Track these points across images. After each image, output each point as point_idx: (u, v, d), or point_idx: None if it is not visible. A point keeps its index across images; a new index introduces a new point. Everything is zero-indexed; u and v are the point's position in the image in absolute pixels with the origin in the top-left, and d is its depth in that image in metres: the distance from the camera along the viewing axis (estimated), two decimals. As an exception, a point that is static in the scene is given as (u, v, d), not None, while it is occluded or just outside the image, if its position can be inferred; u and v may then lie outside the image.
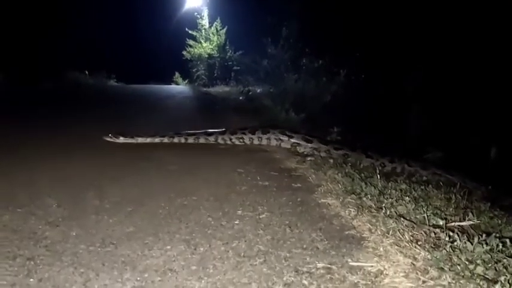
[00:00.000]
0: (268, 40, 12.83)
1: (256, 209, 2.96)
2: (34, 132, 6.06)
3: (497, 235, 2.41)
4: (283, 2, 14.12)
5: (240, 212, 2.89)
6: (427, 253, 2.17)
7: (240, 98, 13.59)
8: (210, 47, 23.60)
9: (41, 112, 9.06)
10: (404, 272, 2.01)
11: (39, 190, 3.25)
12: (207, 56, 23.77)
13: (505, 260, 2.07)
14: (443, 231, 2.40)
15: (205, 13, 23.95)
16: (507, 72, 8.66)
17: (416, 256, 2.16)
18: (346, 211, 2.89)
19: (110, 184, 3.53)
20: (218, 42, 23.55)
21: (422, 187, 3.71)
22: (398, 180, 3.92)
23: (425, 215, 2.71)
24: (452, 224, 2.65)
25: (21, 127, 6.67)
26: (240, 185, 3.61)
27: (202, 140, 5.82)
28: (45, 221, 2.61)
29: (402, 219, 2.63)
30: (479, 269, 1.99)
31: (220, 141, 5.81)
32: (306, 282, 1.91)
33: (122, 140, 5.57)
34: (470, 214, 2.93)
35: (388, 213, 2.74)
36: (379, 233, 2.48)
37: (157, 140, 5.74)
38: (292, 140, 5.63)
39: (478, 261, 2.05)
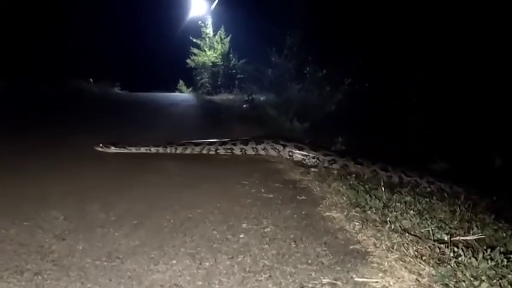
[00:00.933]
0: (272, 49, 12.88)
1: (261, 222, 2.97)
2: (36, 143, 6.05)
3: (502, 249, 2.42)
4: (287, 11, 14.20)
5: (244, 225, 2.91)
6: (431, 269, 2.18)
7: (244, 106, 13.61)
8: (214, 55, 23.70)
9: (43, 121, 9.07)
10: (409, 288, 2.02)
11: (45, 203, 3.27)
12: (211, 64, 23.87)
13: (510, 276, 2.08)
14: (447, 247, 2.40)
15: (209, 22, 24.07)
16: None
17: (421, 272, 2.16)
18: (351, 225, 2.90)
19: (114, 196, 3.55)
20: (222, 50, 23.65)
21: (427, 199, 3.71)
22: (402, 192, 3.92)
23: (429, 229, 2.71)
24: (457, 238, 2.66)
25: (23, 137, 6.66)
26: (244, 198, 3.62)
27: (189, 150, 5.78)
28: (52, 234, 2.63)
29: (407, 233, 2.63)
30: (484, 286, 2.00)
31: (211, 152, 5.78)
32: (311, 298, 1.92)
33: (113, 150, 5.50)
34: (474, 227, 2.93)
35: (392, 227, 2.75)
36: (384, 247, 2.48)
37: (153, 149, 5.66)
38: (288, 149, 5.68)
39: (483, 277, 2.06)
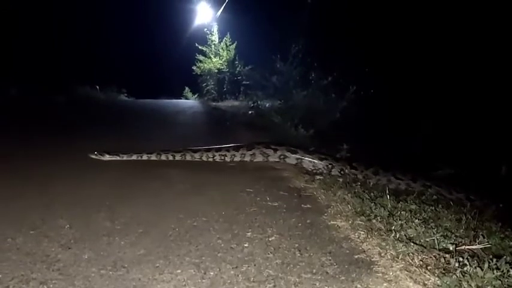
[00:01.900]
0: (277, 56, 12.90)
1: (265, 231, 2.98)
2: (40, 151, 6.07)
3: (508, 259, 2.41)
4: (292, 18, 14.24)
5: (249, 234, 2.91)
6: (437, 279, 2.17)
7: (249, 112, 13.62)
8: (220, 62, 23.75)
9: (49, 128, 9.13)
10: (414, 299, 2.01)
11: (50, 211, 3.29)
12: (216, 70, 23.91)
13: (515, 286, 2.07)
14: (453, 256, 2.39)
15: (215, 29, 24.13)
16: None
17: (426, 282, 2.16)
18: (356, 234, 2.90)
19: (119, 204, 3.56)
20: (228, 57, 23.70)
21: (432, 207, 3.69)
22: (408, 200, 3.90)
23: (435, 238, 2.70)
24: (463, 247, 2.65)
25: (27, 145, 6.69)
26: (249, 206, 3.62)
27: (188, 157, 5.77)
28: (58, 243, 2.65)
29: (412, 243, 2.62)
30: (490, 296, 1.99)
31: (204, 158, 5.78)
32: (315, 309, 1.92)
33: (107, 157, 5.53)
34: (480, 236, 2.91)
35: (397, 236, 2.74)
36: (389, 257, 2.48)
37: (144, 157, 5.66)
38: (279, 153, 5.71)
39: (489, 288, 2.05)
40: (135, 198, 3.83)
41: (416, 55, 11.32)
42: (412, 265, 2.35)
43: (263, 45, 16.59)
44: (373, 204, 3.50)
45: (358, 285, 2.15)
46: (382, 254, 2.54)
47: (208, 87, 24.51)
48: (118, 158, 5.58)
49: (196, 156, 5.79)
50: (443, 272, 2.26)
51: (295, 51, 12.65)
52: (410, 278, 2.21)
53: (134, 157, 5.64)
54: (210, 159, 5.80)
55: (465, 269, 2.25)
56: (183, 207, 3.52)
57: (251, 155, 5.81)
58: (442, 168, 6.55)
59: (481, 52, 9.96)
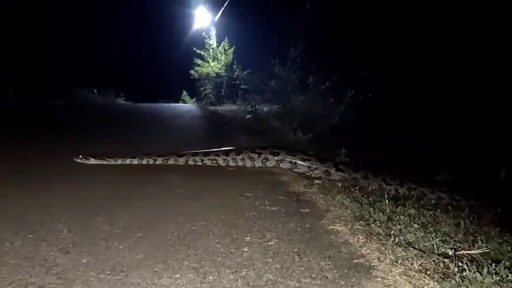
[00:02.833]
0: (276, 60, 12.93)
1: (264, 235, 2.97)
2: (38, 155, 6.05)
3: (507, 263, 2.41)
4: (291, 23, 14.28)
5: (248, 238, 2.91)
6: (436, 284, 2.17)
7: (248, 117, 13.63)
8: (218, 66, 23.82)
9: (46, 132, 9.12)
10: (414, 304, 2.01)
11: (48, 215, 3.28)
12: (214, 75, 23.98)
13: (514, 291, 2.07)
14: (452, 261, 2.39)
15: (213, 33, 24.23)
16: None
17: (425, 287, 2.16)
18: (355, 238, 2.90)
19: (117, 208, 3.55)
20: (226, 61, 23.77)
21: (431, 212, 3.70)
22: (406, 204, 3.91)
23: (434, 242, 2.70)
24: (462, 252, 2.65)
25: (25, 149, 6.67)
26: (248, 210, 3.62)
27: (171, 161, 5.77)
28: (56, 247, 2.64)
29: (411, 247, 2.62)
30: (489, 301, 1.99)
31: (190, 162, 5.79)
32: (315, 314, 1.92)
33: (92, 161, 5.49)
34: (479, 241, 2.92)
35: (396, 241, 2.74)
36: (388, 261, 2.48)
37: (128, 161, 5.64)
38: (263, 156, 5.73)
39: (488, 293, 2.05)
40: (134, 201, 3.83)
41: (415, 58, 11.34)
42: (412, 270, 2.34)
43: (261, 49, 16.65)
44: (372, 208, 3.51)
45: (358, 290, 2.15)
46: (382, 259, 2.53)
47: (206, 91, 24.57)
48: (104, 162, 5.56)
49: (181, 160, 5.79)
50: (443, 276, 2.26)
51: (294, 55, 12.68)
52: (410, 282, 2.21)
53: (119, 161, 5.62)
54: (199, 163, 5.79)
55: (464, 273, 2.25)
56: (181, 212, 3.52)
57: (241, 159, 5.80)
58: (442, 173, 6.56)
59: (481, 55, 9.99)
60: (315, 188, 4.52)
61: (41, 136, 8.28)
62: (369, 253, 2.65)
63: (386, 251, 2.60)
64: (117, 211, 3.45)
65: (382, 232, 2.95)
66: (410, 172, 6.30)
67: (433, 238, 2.80)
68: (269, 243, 2.81)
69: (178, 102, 27.11)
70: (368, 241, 2.81)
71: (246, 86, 20.78)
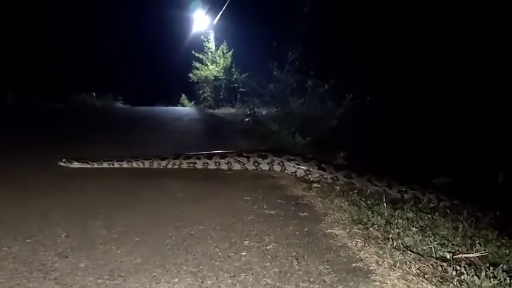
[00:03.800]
0: (274, 64, 12.93)
1: (263, 239, 2.97)
2: (36, 159, 6.02)
3: (505, 267, 2.41)
4: (289, 26, 14.30)
5: (246, 242, 2.90)
6: (434, 287, 2.17)
7: (246, 120, 13.62)
8: (216, 69, 23.83)
9: (44, 136, 9.11)
10: (412, 308, 2.01)
11: (46, 219, 3.28)
12: (213, 78, 24.00)
13: (512, 295, 2.07)
14: (450, 264, 2.39)
15: (211, 36, 24.26)
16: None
17: (423, 291, 2.16)
18: (353, 242, 2.90)
19: (115, 212, 3.55)
20: (224, 64, 23.79)
21: (429, 215, 3.70)
22: (404, 208, 3.91)
23: (432, 246, 2.71)
24: (460, 255, 2.65)
25: (23, 153, 6.64)
26: (246, 214, 3.61)
27: (155, 165, 5.76)
28: (54, 252, 2.64)
29: (409, 251, 2.62)
30: (487, 305, 1.99)
31: (173, 166, 5.78)
32: (313, 318, 1.91)
33: (76, 165, 5.50)
34: (477, 244, 2.92)
35: (395, 244, 2.74)
36: (386, 265, 2.48)
37: (116, 164, 5.65)
38: (252, 160, 5.76)
39: (486, 296, 2.05)
40: (132, 206, 3.83)
41: (414, 60, 11.34)
42: (410, 274, 2.34)
43: (260, 52, 16.65)
44: (370, 212, 3.51)
45: (356, 294, 2.15)
46: (380, 263, 2.53)
47: (204, 95, 24.56)
48: (88, 165, 5.57)
49: (163, 163, 5.79)
50: (441, 280, 2.26)
51: (292, 58, 12.69)
52: (408, 286, 2.21)
53: (105, 165, 5.63)
54: (176, 167, 5.80)
55: (462, 277, 2.25)
56: (179, 215, 3.52)
57: (226, 163, 5.81)
58: (440, 177, 6.57)
59: (480, 58, 10.00)
60: (313, 192, 4.52)
61: (38, 140, 8.27)
62: (367, 257, 2.65)
63: (385, 255, 2.60)
64: (115, 215, 3.45)
65: (380, 236, 2.95)
66: (409, 175, 6.31)
67: (431, 242, 2.80)
68: (267, 247, 2.81)
69: (177, 106, 27.08)
70: (366, 245, 2.81)
71: (244, 89, 20.81)
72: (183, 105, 27.28)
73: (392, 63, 11.52)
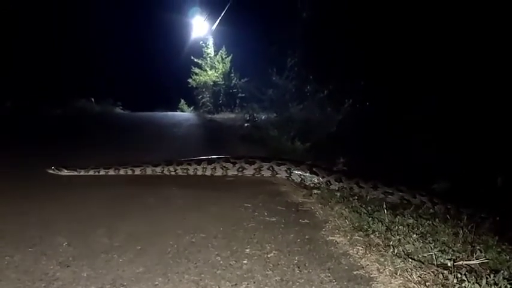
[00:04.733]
0: (273, 69, 12.97)
1: (264, 247, 2.98)
2: (36, 168, 6.03)
3: (506, 273, 2.42)
4: (288, 31, 14.35)
5: (248, 250, 2.91)
6: (435, 295, 2.18)
7: (245, 125, 13.63)
8: (215, 74, 23.85)
9: (45, 144, 9.11)
10: (414, 316, 2.02)
11: (48, 228, 3.28)
12: (212, 83, 24.02)
13: (514, 302, 2.08)
14: (451, 272, 2.40)
15: (210, 42, 24.31)
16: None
17: (425, 298, 2.16)
18: (354, 249, 2.91)
19: (117, 221, 3.56)
20: (223, 70, 23.82)
21: (429, 221, 3.70)
22: (405, 214, 3.92)
23: (433, 253, 2.72)
24: (460, 262, 2.66)
25: (22, 161, 6.63)
26: (247, 221, 3.62)
27: (149, 171, 5.77)
28: (56, 261, 2.64)
29: (410, 259, 2.63)
30: (489, 313, 2.00)
31: (166, 172, 5.79)
32: (315, 327, 1.92)
33: (65, 172, 5.49)
34: (478, 251, 2.93)
35: (395, 251, 2.75)
36: (388, 273, 2.49)
37: (102, 172, 5.63)
38: (238, 165, 5.80)
39: (487, 304, 2.06)
40: (132, 213, 3.83)
41: (412, 63, 11.37)
42: (411, 281, 2.35)
43: (259, 58, 16.70)
44: (370, 218, 3.52)
45: (358, 302, 2.16)
46: (381, 270, 2.54)
47: (203, 100, 24.58)
48: (76, 173, 5.55)
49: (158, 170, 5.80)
50: (442, 287, 2.27)
51: (291, 64, 12.73)
52: (409, 294, 2.22)
53: (91, 172, 5.62)
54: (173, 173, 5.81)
55: (463, 285, 2.26)
56: (180, 223, 3.52)
57: (212, 168, 5.83)
58: (439, 182, 6.59)
59: (481, 60, 10.04)
60: (313, 198, 4.53)
61: (38, 148, 8.27)
62: (368, 264, 2.66)
63: (386, 262, 2.61)
64: (116, 224, 3.46)
65: (381, 243, 2.96)
66: (408, 180, 6.32)
67: (431, 248, 2.81)
68: (269, 255, 2.81)
69: (176, 111, 27.09)
70: (367, 252, 2.82)
71: (243, 95, 20.87)
72: (183, 111, 27.30)
73: (392, 68, 11.56)
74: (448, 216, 4.24)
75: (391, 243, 2.92)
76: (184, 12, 26.47)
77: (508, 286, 2.24)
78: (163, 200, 4.40)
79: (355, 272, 2.56)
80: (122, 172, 5.71)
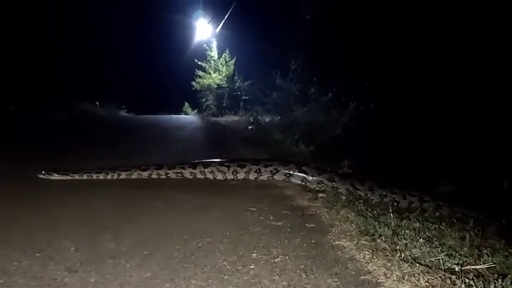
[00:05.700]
0: (277, 72, 12.98)
1: (270, 251, 2.98)
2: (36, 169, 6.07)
3: (513, 277, 2.41)
4: (291, 34, 14.37)
5: (254, 255, 2.91)
6: (443, 301, 2.17)
7: (249, 127, 13.65)
8: (219, 77, 23.91)
9: (49, 148, 9.13)
10: (422, 322, 2.01)
11: (55, 233, 3.29)
12: (216, 86, 24.08)
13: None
14: (458, 277, 2.40)
15: (214, 45, 24.38)
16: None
17: (433, 304, 2.16)
18: (361, 254, 2.90)
19: (124, 225, 3.57)
20: (227, 72, 23.87)
21: (436, 225, 3.70)
22: (411, 218, 3.91)
23: (440, 257, 2.71)
24: (468, 267, 2.65)
25: (27, 166, 6.66)
26: (253, 226, 3.62)
27: (134, 176, 5.75)
28: (64, 266, 2.65)
29: (417, 263, 2.63)
30: (497, 318, 1.99)
31: (154, 176, 5.78)
32: (324, 333, 1.92)
33: (56, 176, 5.43)
34: (485, 255, 2.92)
35: (402, 256, 2.74)
36: (395, 278, 2.48)
37: (94, 176, 5.59)
38: (232, 169, 5.81)
39: (496, 310, 2.05)
40: (138, 218, 3.84)
41: (416, 64, 11.36)
42: (418, 286, 2.35)
43: (262, 60, 16.73)
44: (376, 223, 3.51)
45: (366, 308, 2.16)
46: (388, 275, 2.54)
47: (207, 103, 24.64)
48: (68, 177, 5.52)
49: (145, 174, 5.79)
50: (450, 293, 2.26)
51: (295, 66, 12.74)
52: (417, 299, 2.22)
53: (85, 176, 5.58)
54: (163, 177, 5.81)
55: (471, 290, 2.26)
56: (186, 227, 3.53)
57: (210, 172, 5.84)
58: (444, 184, 6.57)
59: (485, 60, 10.02)
60: (319, 202, 4.52)
61: (43, 153, 8.29)
62: (375, 269, 2.65)
63: (393, 267, 2.61)
64: (122, 228, 3.46)
65: (387, 247, 2.95)
66: (413, 183, 6.31)
67: (438, 253, 2.80)
68: (275, 260, 2.82)
69: (180, 114, 27.16)
70: (374, 257, 2.81)
71: (247, 97, 20.89)
72: (186, 114, 27.36)
73: (397, 69, 11.55)
74: (454, 219, 4.24)
75: (397, 247, 2.92)
76: (188, 15, 26.57)
77: (517, 291, 2.24)
78: (168, 204, 4.39)
79: (362, 277, 2.55)
80: (122, 176, 5.69)
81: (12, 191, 4.75)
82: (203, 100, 25.10)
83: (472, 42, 10.62)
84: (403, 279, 2.45)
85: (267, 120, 14.14)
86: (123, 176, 5.72)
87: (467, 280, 2.35)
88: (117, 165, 5.87)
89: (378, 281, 2.50)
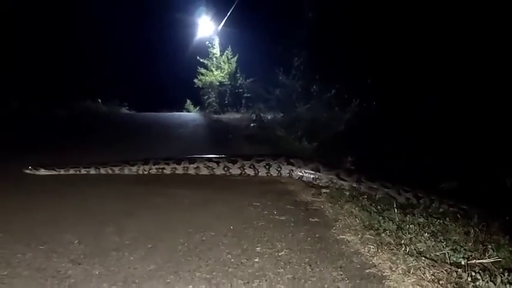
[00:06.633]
0: (280, 69, 12.96)
1: (275, 245, 2.96)
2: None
3: (519, 272, 2.40)
4: (294, 31, 14.34)
5: (258, 248, 2.90)
6: (450, 293, 2.16)
7: (251, 125, 13.63)
8: (221, 74, 23.87)
9: (52, 143, 9.15)
10: (428, 314, 2.00)
11: (58, 227, 3.29)
12: (218, 83, 24.04)
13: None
14: (464, 270, 2.38)
15: (216, 42, 24.34)
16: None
17: (439, 297, 2.15)
18: (366, 248, 2.89)
19: (127, 219, 3.56)
20: (229, 70, 23.83)
21: (440, 220, 3.69)
22: (415, 213, 3.91)
23: (445, 251, 2.70)
24: (473, 261, 2.64)
25: (27, 161, 6.66)
26: (256, 220, 3.61)
27: (126, 171, 5.75)
28: (68, 258, 2.64)
29: (422, 257, 2.61)
30: (504, 311, 1.98)
31: (140, 172, 5.78)
32: (330, 325, 1.91)
33: (43, 172, 5.43)
34: (490, 250, 2.91)
35: (407, 250, 2.73)
36: (400, 271, 2.47)
37: (83, 171, 5.60)
38: (223, 164, 5.83)
39: (502, 303, 2.04)
40: (141, 212, 3.83)
41: (419, 62, 11.34)
42: (424, 280, 2.34)
43: (265, 58, 16.71)
44: (381, 217, 3.50)
45: (371, 301, 2.15)
46: (393, 269, 2.52)
47: (209, 100, 24.60)
48: (54, 172, 5.51)
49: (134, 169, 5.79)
50: (456, 286, 2.25)
51: (298, 63, 12.71)
52: (423, 293, 2.21)
53: (72, 171, 5.58)
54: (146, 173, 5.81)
55: (477, 283, 2.25)
56: (190, 222, 3.52)
57: (195, 168, 5.84)
58: (447, 181, 6.56)
59: (487, 57, 9.99)
60: (323, 197, 4.52)
61: (41, 149, 8.31)
62: (380, 263, 2.64)
63: (398, 261, 2.60)
64: (125, 221, 3.46)
65: (392, 241, 2.94)
66: (416, 179, 6.29)
67: (443, 247, 2.79)
68: (280, 254, 2.80)
69: (182, 111, 27.10)
70: (379, 251, 2.80)
71: (249, 95, 20.87)
72: (188, 111, 27.30)
73: (397, 69, 11.53)
74: (458, 215, 4.23)
75: (402, 241, 2.91)
76: (190, 12, 26.58)
77: (523, 284, 2.22)
78: (172, 199, 4.39)
79: (367, 271, 2.54)
80: (102, 171, 5.69)
81: (14, 186, 4.76)
82: (205, 97, 25.06)
83: (472, 42, 10.59)
84: (409, 272, 2.44)
85: (269, 117, 14.12)
86: (117, 171, 5.74)
87: (473, 273, 2.33)
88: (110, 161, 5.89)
89: (383, 274, 2.48)
